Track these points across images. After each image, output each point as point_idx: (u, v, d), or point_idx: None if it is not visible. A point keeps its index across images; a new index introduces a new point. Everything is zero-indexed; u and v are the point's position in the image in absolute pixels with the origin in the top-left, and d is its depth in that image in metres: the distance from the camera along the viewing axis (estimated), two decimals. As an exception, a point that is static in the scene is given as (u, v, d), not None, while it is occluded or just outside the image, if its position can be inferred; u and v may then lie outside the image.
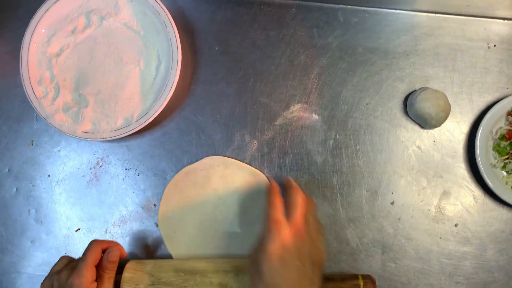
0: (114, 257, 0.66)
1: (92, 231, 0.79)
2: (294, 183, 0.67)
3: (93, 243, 0.67)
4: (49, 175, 0.81)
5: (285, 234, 0.59)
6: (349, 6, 0.80)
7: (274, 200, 0.64)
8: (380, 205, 0.77)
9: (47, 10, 0.76)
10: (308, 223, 0.63)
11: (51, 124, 0.75)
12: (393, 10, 0.80)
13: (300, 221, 0.62)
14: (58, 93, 0.77)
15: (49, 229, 0.80)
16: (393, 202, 0.77)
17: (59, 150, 0.81)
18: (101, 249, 0.67)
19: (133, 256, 0.78)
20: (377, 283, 0.75)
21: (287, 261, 0.57)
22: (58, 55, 0.78)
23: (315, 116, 0.79)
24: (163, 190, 0.78)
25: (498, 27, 0.79)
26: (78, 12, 0.78)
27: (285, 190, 0.67)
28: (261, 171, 0.78)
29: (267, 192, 0.66)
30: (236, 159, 0.78)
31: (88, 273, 0.62)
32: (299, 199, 0.64)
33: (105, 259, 0.66)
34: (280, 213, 0.62)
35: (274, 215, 0.62)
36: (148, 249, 0.78)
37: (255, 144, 0.79)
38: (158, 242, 0.78)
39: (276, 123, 0.79)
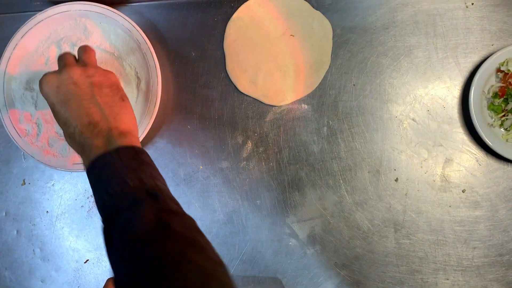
0: None
1: (101, 260, 0.78)
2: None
3: (110, 280, 0.69)
4: (47, 212, 0.79)
5: (50, 77, 0.60)
6: (319, -11, 0.78)
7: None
8: (385, 184, 0.76)
9: (15, 46, 0.74)
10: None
11: (39, 161, 0.74)
12: (365, -14, 0.78)
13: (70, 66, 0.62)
14: (41, 129, 0.75)
15: (57, 265, 0.78)
16: (397, 179, 0.76)
17: (53, 185, 0.80)
18: None
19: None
20: (394, 262, 0.74)
21: (63, 97, 0.59)
22: (35, 90, 0.76)
23: (304, 106, 0.77)
24: (165, 207, 0.77)
25: (473, -15, 0.78)
26: (47, 43, 0.76)
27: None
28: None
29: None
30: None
31: None
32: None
33: None
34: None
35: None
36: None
37: (249, 144, 0.78)
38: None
39: (267, 119, 0.78)
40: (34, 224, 0.79)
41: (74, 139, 0.58)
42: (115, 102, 0.60)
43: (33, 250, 0.79)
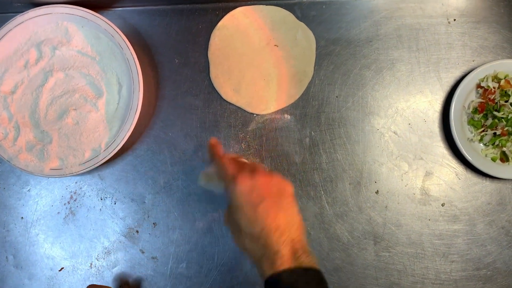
0: None
1: (76, 268, 0.76)
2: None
3: (90, 287, 0.69)
4: (22, 218, 0.77)
5: (245, 179, 0.60)
6: (305, 0, 0.79)
7: (221, 162, 0.64)
8: (365, 196, 0.76)
9: (-6, 48, 0.73)
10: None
11: (15, 165, 0.72)
12: (349, -2, 0.79)
13: (251, 166, 0.63)
14: (18, 133, 0.74)
15: (30, 273, 0.76)
16: (377, 191, 0.76)
17: (29, 190, 0.78)
18: None
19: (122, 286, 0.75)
20: (373, 274, 0.74)
21: (255, 200, 0.59)
22: (13, 92, 0.74)
23: (287, 116, 0.77)
24: (143, 216, 0.76)
25: (455, 1, 0.78)
26: (27, 45, 0.75)
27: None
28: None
29: (212, 159, 0.66)
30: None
31: None
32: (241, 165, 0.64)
33: None
34: (232, 168, 0.63)
35: (228, 173, 0.62)
36: (137, 278, 0.76)
37: (231, 153, 0.77)
38: (146, 269, 0.75)
39: (249, 128, 0.77)
40: (7, 230, 0.77)
41: (257, 240, 0.59)
42: (296, 213, 0.62)
43: (6, 257, 0.77)
